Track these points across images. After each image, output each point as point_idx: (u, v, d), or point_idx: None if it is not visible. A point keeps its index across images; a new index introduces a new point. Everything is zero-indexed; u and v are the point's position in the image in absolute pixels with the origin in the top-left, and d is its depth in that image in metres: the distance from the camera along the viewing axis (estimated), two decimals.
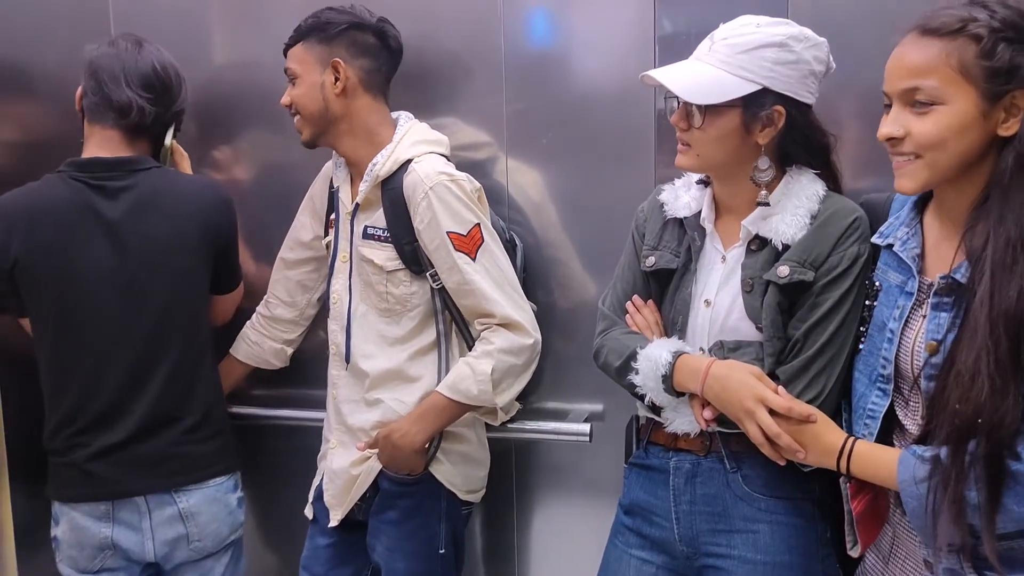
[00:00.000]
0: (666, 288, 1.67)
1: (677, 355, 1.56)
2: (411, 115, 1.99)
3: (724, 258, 1.61)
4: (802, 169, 1.58)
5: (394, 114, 1.99)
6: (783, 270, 1.52)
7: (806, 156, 1.58)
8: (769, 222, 1.55)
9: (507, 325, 1.85)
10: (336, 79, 1.89)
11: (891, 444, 1.45)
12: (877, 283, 1.50)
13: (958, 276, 1.34)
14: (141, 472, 1.92)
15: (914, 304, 1.41)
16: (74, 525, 1.94)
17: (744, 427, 1.49)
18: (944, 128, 1.30)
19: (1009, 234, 1.27)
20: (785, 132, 1.53)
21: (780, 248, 1.54)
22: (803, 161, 1.59)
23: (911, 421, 1.43)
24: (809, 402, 1.48)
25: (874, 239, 1.51)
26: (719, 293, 1.59)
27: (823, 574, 1.60)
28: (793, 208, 1.53)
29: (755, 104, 1.49)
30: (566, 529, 2.18)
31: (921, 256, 1.43)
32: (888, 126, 1.34)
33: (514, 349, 1.85)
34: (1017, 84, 1.28)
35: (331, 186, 2.03)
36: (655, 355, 1.57)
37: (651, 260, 1.67)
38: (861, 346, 1.51)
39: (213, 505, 1.99)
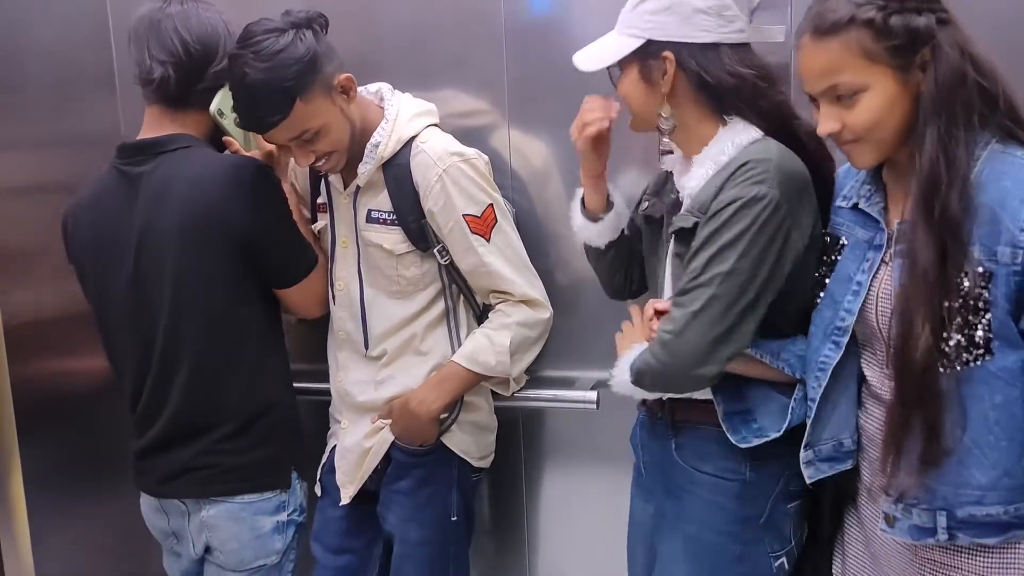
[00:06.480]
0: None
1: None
2: (390, 86, 1.94)
3: None
4: (735, 120, 1.52)
5: (371, 87, 1.93)
6: (673, 220, 1.54)
7: (725, 102, 1.51)
8: (686, 178, 1.54)
9: (526, 302, 1.89)
10: (344, 92, 1.79)
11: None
12: (843, 239, 1.49)
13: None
14: (172, 477, 1.83)
15: (883, 257, 1.43)
16: (144, 508, 1.94)
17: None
18: (875, 111, 1.34)
19: (921, 182, 1.30)
20: (686, 77, 1.51)
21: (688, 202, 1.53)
22: (740, 111, 1.51)
23: (880, 375, 1.45)
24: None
25: (838, 203, 1.52)
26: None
27: (741, 556, 1.56)
28: (702, 160, 1.52)
29: (646, 55, 1.51)
30: (574, 496, 2.20)
31: (886, 209, 1.45)
32: (825, 123, 1.38)
33: (530, 323, 1.89)
34: (921, 43, 1.31)
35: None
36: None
37: (644, 205, 1.69)
38: (818, 300, 1.50)
39: (234, 524, 1.82)
